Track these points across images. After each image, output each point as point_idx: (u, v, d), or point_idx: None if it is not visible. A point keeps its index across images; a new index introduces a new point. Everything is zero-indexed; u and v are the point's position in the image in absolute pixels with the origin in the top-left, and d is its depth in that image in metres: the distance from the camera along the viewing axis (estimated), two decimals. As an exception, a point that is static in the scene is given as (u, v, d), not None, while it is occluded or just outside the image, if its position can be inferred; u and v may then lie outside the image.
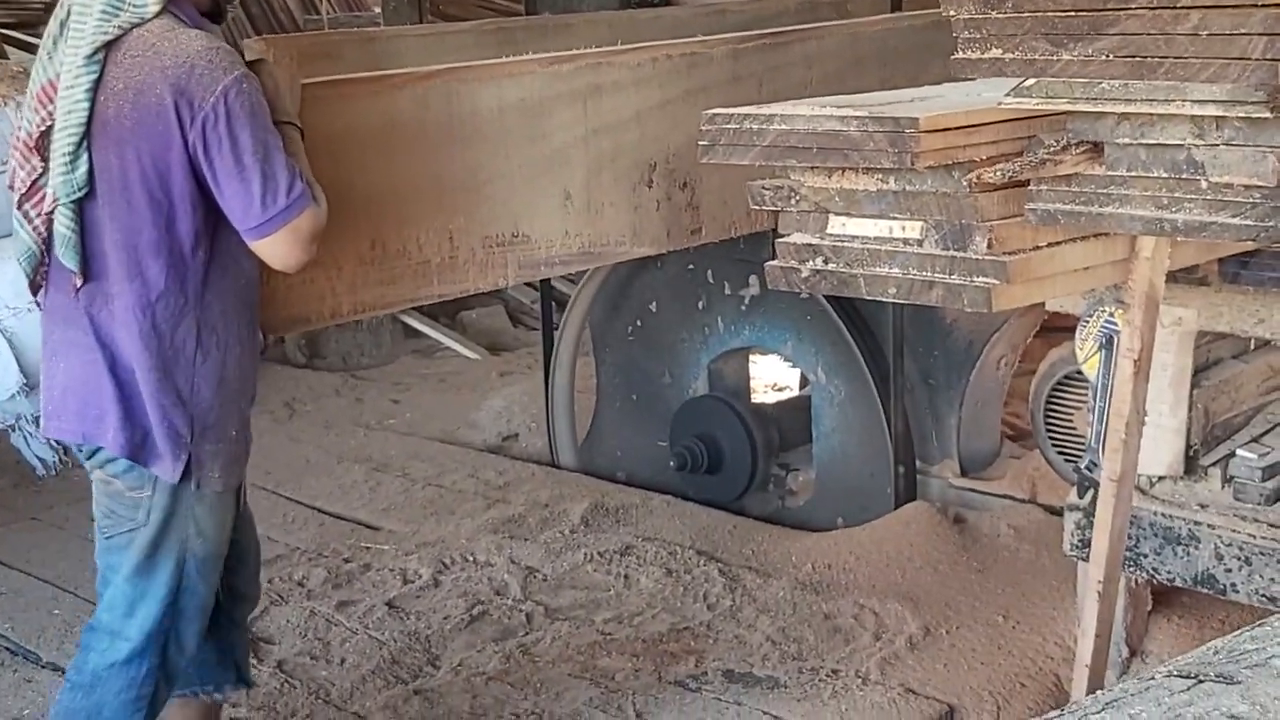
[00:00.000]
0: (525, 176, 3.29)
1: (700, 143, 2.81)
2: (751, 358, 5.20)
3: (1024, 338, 4.45)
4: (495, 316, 7.09)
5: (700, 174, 3.57)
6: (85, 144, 2.61)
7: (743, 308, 4.79)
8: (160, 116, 2.57)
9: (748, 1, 6.12)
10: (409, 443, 5.62)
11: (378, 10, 9.71)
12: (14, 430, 4.52)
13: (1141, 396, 2.75)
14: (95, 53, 2.60)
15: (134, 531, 2.76)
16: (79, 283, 2.68)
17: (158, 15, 2.63)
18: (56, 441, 3.40)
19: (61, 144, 2.61)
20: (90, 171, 2.62)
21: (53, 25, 2.69)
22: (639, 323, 5.06)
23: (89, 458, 2.78)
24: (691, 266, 4.85)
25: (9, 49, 7.21)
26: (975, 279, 2.54)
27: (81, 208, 2.64)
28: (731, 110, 2.77)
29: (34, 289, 2.78)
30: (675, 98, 3.56)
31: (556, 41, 4.42)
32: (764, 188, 2.81)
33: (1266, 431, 3.38)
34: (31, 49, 7.94)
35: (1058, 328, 4.24)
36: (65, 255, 2.66)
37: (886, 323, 4.44)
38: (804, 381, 5.01)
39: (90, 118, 2.60)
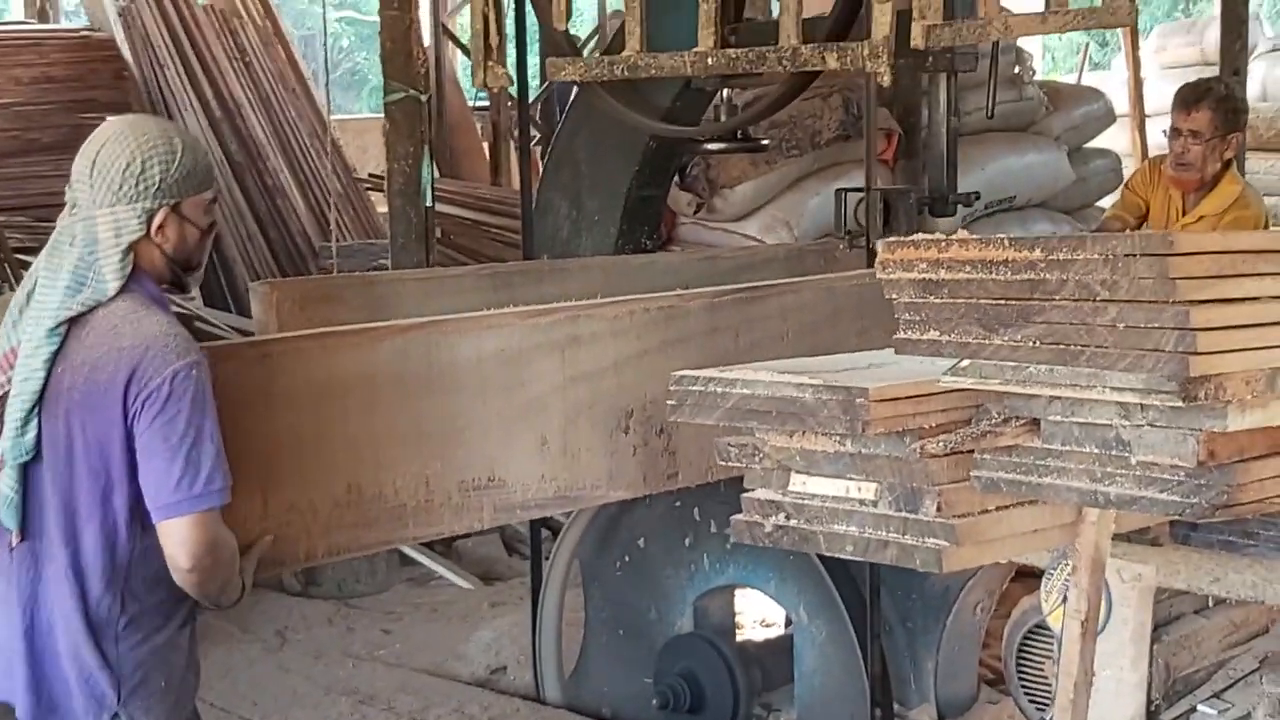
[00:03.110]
0: (502, 423, 3.40)
1: (669, 402, 2.94)
2: (739, 593, 5.25)
3: (1000, 583, 4.51)
4: (490, 544, 7.15)
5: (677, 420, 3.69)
6: (36, 411, 2.72)
7: (728, 545, 4.85)
8: (108, 394, 2.69)
9: (738, 249, 6.35)
10: (397, 674, 5.64)
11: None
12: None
13: (1089, 656, 2.82)
14: (58, 326, 2.73)
15: None
16: (14, 542, 2.77)
17: (120, 294, 2.76)
18: None
19: (14, 410, 2.73)
20: (39, 438, 2.73)
21: (19, 295, 2.82)
22: (627, 558, 5.12)
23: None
24: (679, 504, 4.93)
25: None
26: (926, 540, 2.63)
27: (27, 471, 2.75)
28: (697, 373, 2.90)
29: None
30: (653, 348, 3.69)
31: (551, 285, 4.58)
32: (730, 444, 2.93)
33: (1228, 687, 3.42)
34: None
35: (1034, 573, 4.30)
36: (6, 515, 2.76)
37: (864, 566, 4.50)
38: (789, 620, 5.05)
39: (45, 387, 2.72)
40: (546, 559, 5.37)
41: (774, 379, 2.76)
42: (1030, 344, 2.29)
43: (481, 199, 9.12)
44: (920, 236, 2.39)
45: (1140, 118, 10.24)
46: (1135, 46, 10.51)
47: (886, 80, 3.91)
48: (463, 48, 11.56)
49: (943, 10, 3.89)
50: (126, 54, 10.30)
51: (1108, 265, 2.19)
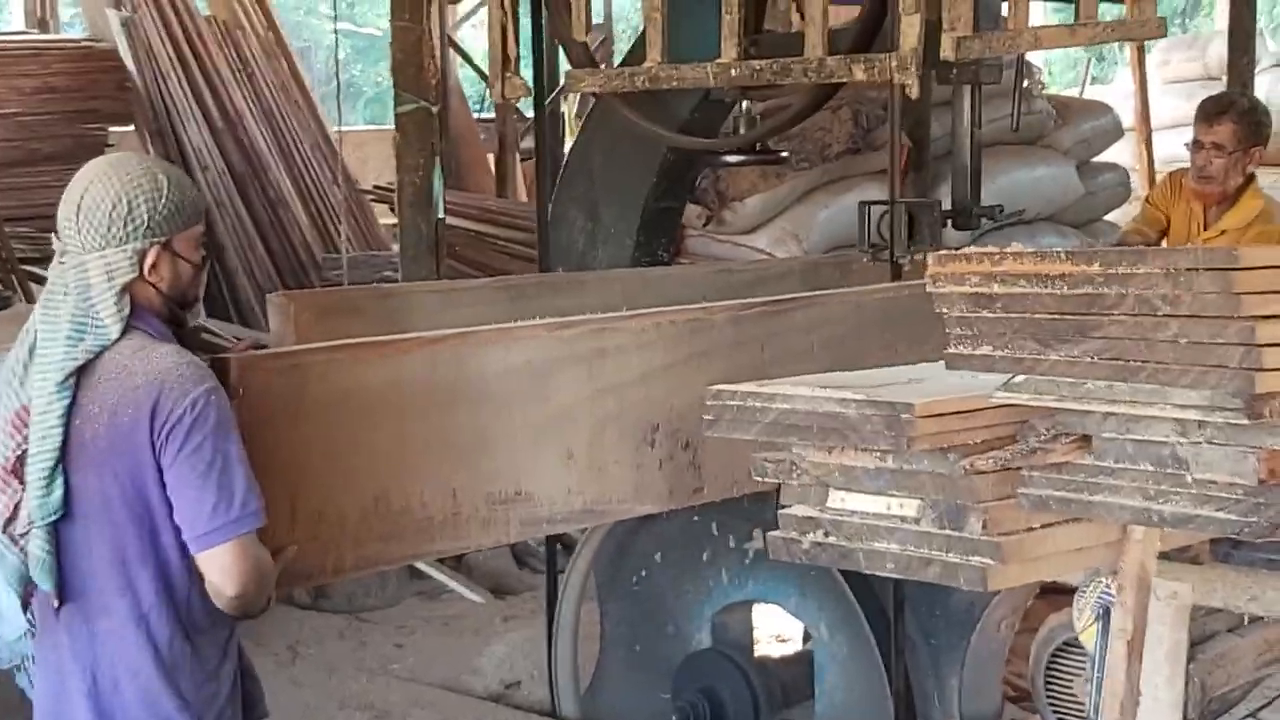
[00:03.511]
0: (529, 436, 3.35)
1: (705, 417, 2.90)
2: (755, 608, 5.20)
3: (1025, 599, 4.46)
4: (500, 558, 7.10)
5: (703, 435, 3.62)
6: (60, 468, 2.65)
7: (746, 561, 4.80)
8: (133, 436, 2.63)
9: (754, 262, 6.32)
10: (411, 689, 5.60)
11: (396, 249, 9.98)
12: (19, 670, 4.53)
13: (1136, 676, 2.78)
14: (66, 379, 2.65)
15: None
16: (55, 604, 2.70)
17: (124, 335, 2.69)
18: None
19: (36, 469, 2.65)
20: (66, 495, 2.65)
21: (20, 351, 2.74)
22: (643, 572, 5.08)
23: None
24: (696, 519, 4.88)
25: (35, 286, 7.39)
26: (971, 558, 2.59)
27: (58, 530, 2.68)
28: (735, 388, 2.86)
29: (25, 608, 2.79)
30: (679, 361, 3.64)
31: (568, 298, 4.55)
32: (766, 460, 2.89)
33: (1264, 706, 3.38)
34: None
35: (1059, 589, 4.26)
36: (40, 577, 2.68)
37: (888, 581, 4.46)
38: (807, 634, 5.00)
39: (65, 442, 2.65)
40: (560, 572, 5.32)
41: (815, 394, 2.72)
42: (1088, 359, 2.26)
43: (487, 211, 9.08)
44: (973, 249, 2.35)
45: (1146, 132, 10.22)
46: (1142, 61, 10.49)
47: (915, 92, 3.88)
48: (468, 60, 11.53)
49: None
50: (130, 65, 10.26)
51: (1169, 280, 2.15)
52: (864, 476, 2.72)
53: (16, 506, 2.70)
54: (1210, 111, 5.10)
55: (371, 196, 10.12)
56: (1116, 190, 8.53)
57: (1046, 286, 2.29)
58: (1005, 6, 4.36)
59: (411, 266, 6.66)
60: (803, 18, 5.14)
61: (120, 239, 2.71)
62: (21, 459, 2.68)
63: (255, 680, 2.96)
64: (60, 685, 2.74)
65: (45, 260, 8.64)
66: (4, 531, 2.72)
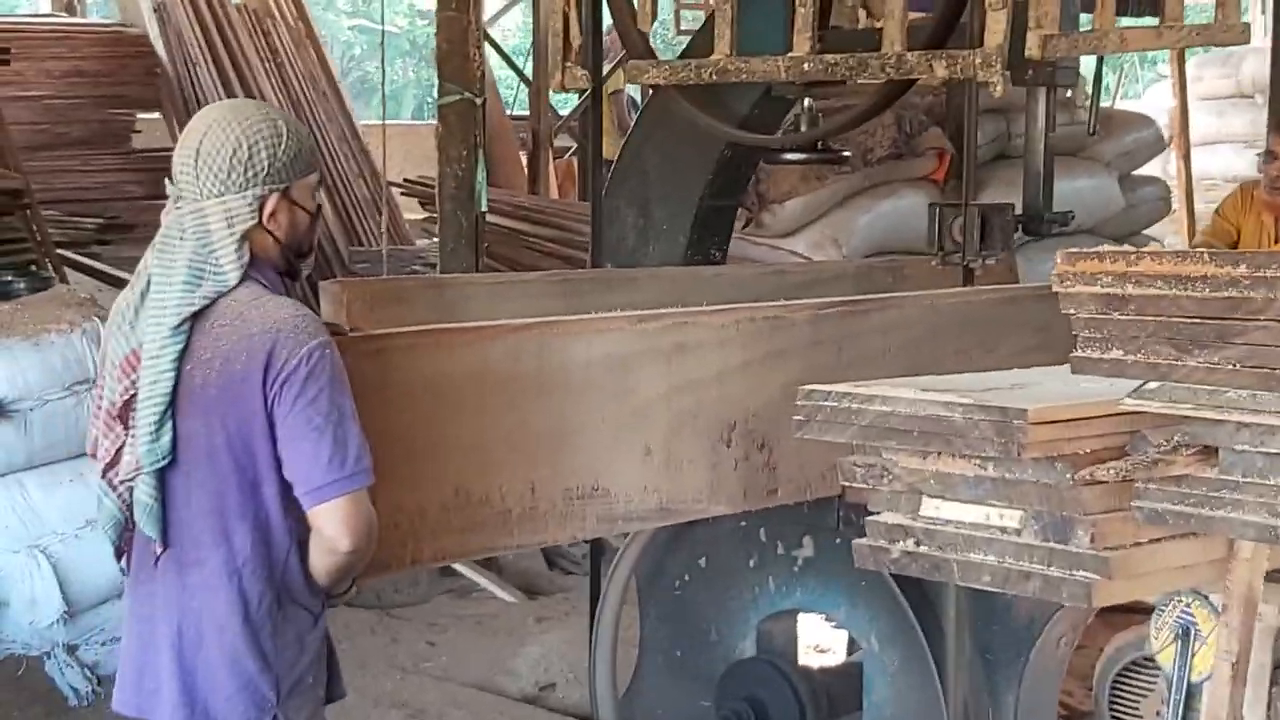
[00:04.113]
0: (608, 430, 3.30)
1: (795, 417, 2.82)
2: (799, 617, 5.11)
3: (1085, 617, 4.38)
4: (532, 558, 7.01)
5: (778, 435, 3.55)
6: (170, 413, 2.60)
7: (795, 569, 4.71)
8: (245, 384, 2.59)
9: (805, 264, 6.25)
10: (446, 689, 5.52)
11: (419, 244, 9.90)
12: (49, 657, 4.45)
13: (1239, 700, 2.70)
14: (181, 324, 2.61)
15: None
16: (158, 550, 2.66)
17: (240, 283, 2.66)
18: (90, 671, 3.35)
19: (146, 413, 2.61)
20: (174, 440, 2.61)
21: (131, 296, 2.71)
22: (687, 577, 4.98)
23: None
24: (744, 524, 4.78)
25: (67, 270, 7.31)
26: (1075, 573, 2.52)
27: (163, 476, 2.63)
28: (829, 388, 2.78)
29: (119, 556, 2.77)
30: (757, 359, 3.58)
31: (621, 294, 4.48)
32: (855, 464, 2.81)
33: (1350, 735, 3.29)
34: (84, 269, 8.05)
35: (1118, 608, 4.18)
36: (146, 524, 2.64)
37: (946, 594, 4.37)
38: (852, 645, 4.91)
39: (175, 387, 2.60)
40: (599, 574, 5.23)
41: (918, 397, 2.64)
42: (1230, 366, 2.17)
43: (520, 207, 8.98)
44: (1106, 248, 2.27)
45: (1185, 148, 10.13)
46: (1183, 75, 10.41)
47: (999, 91, 3.79)
48: (503, 54, 11.47)
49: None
50: (160, 50, 10.19)
51: (1322, 285, 2.07)
52: (961, 485, 2.64)
53: (119, 451, 2.66)
54: (1283, 123, 5.03)
55: (402, 190, 10.02)
56: (1157, 204, 8.46)
57: (1186, 289, 2.20)
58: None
59: (450, 260, 6.55)
60: (869, 14, 5.09)
61: (240, 185, 2.68)
62: (128, 403, 2.64)
63: (335, 658, 2.89)
64: (149, 635, 2.69)
65: (73, 244, 8.61)
66: (103, 477, 2.69)
